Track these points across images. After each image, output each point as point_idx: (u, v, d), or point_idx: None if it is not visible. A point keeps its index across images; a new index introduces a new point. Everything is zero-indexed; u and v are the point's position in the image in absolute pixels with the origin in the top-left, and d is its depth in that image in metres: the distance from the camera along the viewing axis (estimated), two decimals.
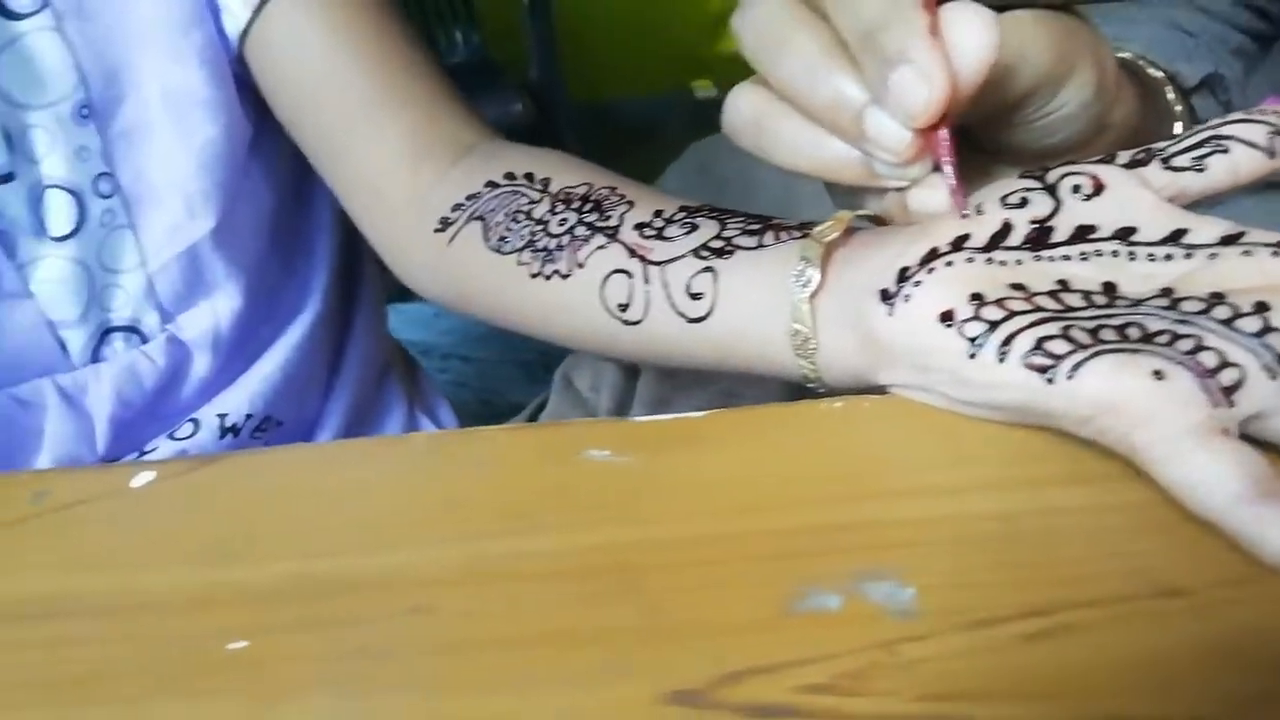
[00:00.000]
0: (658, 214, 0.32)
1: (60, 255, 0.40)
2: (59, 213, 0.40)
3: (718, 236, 0.30)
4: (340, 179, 0.41)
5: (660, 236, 0.31)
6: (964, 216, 0.25)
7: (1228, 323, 0.21)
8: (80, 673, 0.22)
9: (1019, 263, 0.24)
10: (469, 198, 0.37)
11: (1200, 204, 0.26)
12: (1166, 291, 0.23)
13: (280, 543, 0.25)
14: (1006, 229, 0.25)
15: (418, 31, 0.42)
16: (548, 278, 0.33)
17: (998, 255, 0.24)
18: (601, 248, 0.32)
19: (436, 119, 0.40)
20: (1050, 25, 0.27)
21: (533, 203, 0.35)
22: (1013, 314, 0.23)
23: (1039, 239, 0.24)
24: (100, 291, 0.41)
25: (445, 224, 0.37)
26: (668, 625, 0.21)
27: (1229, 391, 0.20)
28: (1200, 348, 0.21)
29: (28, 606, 0.24)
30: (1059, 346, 0.22)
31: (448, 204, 0.37)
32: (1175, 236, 0.23)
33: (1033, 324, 0.22)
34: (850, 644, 0.20)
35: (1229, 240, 0.23)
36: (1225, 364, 0.21)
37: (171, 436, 0.44)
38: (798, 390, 0.29)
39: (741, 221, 0.30)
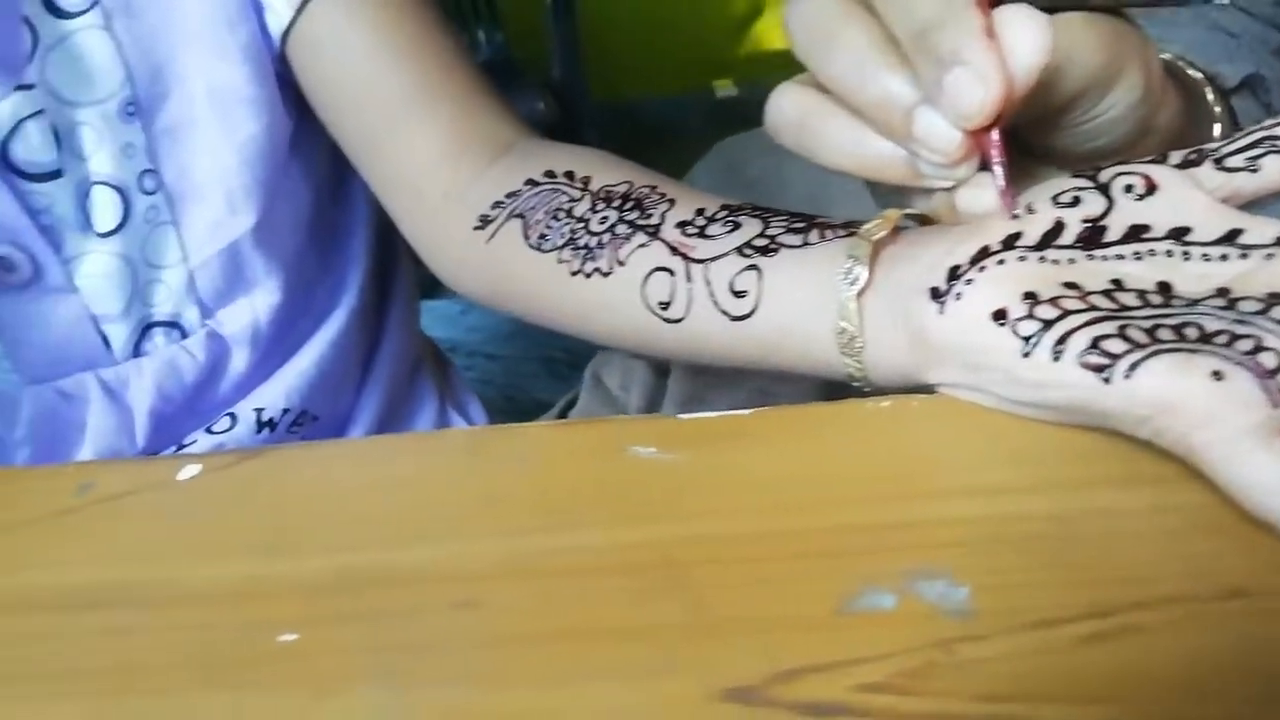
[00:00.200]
0: (700, 212, 0.32)
1: (105, 251, 0.40)
2: (104, 209, 0.40)
3: (761, 234, 0.30)
4: (379, 176, 0.42)
5: (703, 235, 0.31)
6: (1014, 217, 0.25)
7: None
8: (127, 663, 0.22)
9: (1072, 262, 0.24)
10: (509, 195, 0.37)
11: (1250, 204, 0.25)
12: (1223, 291, 0.22)
13: (325, 536, 0.25)
14: (1059, 228, 0.24)
15: (455, 29, 0.42)
16: (588, 275, 0.33)
17: (1050, 254, 0.24)
18: (643, 246, 0.32)
19: (475, 116, 0.40)
20: (1099, 28, 0.26)
21: (573, 201, 0.35)
22: (1067, 313, 0.22)
23: (1092, 238, 0.24)
24: (143, 287, 0.42)
25: (485, 221, 0.37)
26: (716, 622, 0.21)
27: None
28: (1260, 348, 0.21)
29: (74, 597, 0.24)
30: (1115, 346, 0.21)
31: (487, 201, 0.37)
32: (1230, 237, 0.23)
33: (1088, 323, 0.22)
34: (906, 643, 0.20)
35: None
36: None
37: (209, 430, 0.44)
38: (833, 389, 0.29)
39: (785, 220, 0.30)
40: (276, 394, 0.45)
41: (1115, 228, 0.24)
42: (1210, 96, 0.39)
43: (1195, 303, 0.22)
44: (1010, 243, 0.24)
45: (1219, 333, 0.21)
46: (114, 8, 0.39)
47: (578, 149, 0.39)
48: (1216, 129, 0.38)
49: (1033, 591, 0.20)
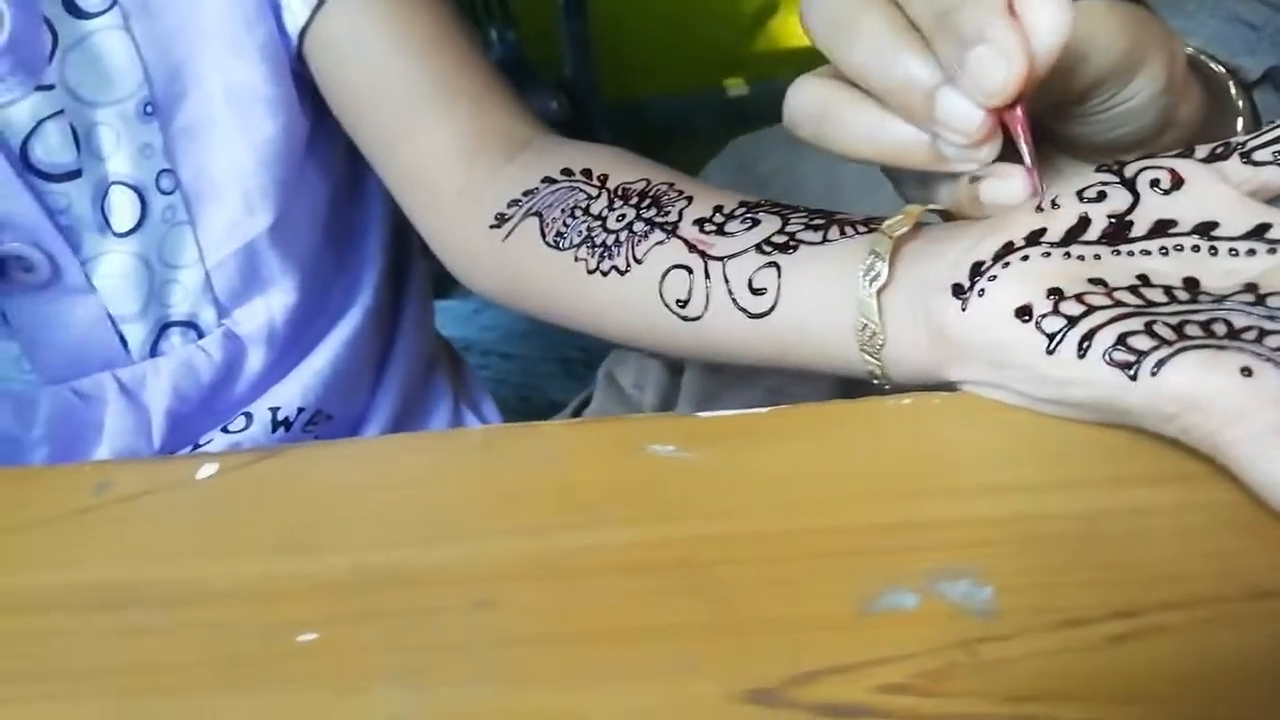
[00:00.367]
0: (718, 209, 0.32)
1: (122, 251, 0.41)
2: (122, 209, 0.40)
3: (780, 231, 0.30)
4: (395, 174, 0.42)
5: (721, 232, 0.31)
6: (1037, 196, 0.25)
7: None
8: (145, 663, 0.22)
9: (1097, 257, 0.23)
10: (525, 194, 0.37)
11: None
12: (1251, 287, 0.22)
13: (343, 535, 0.25)
14: (1084, 223, 0.24)
15: (471, 28, 0.42)
16: (605, 274, 0.33)
17: (1075, 250, 0.24)
18: (660, 243, 0.32)
19: (491, 113, 0.40)
20: (1121, 15, 0.26)
21: (590, 199, 0.35)
22: (1093, 309, 0.22)
23: (1117, 233, 0.24)
24: (160, 287, 0.42)
25: (501, 220, 0.37)
26: (738, 622, 0.21)
27: None
28: None
29: (93, 596, 0.24)
30: (1142, 342, 0.21)
31: (504, 200, 0.37)
32: (1258, 231, 0.23)
33: (1114, 319, 0.22)
34: (928, 643, 0.19)
35: None
36: None
37: (225, 430, 0.44)
38: (849, 387, 0.29)
39: (804, 216, 0.30)
40: (292, 393, 0.45)
41: (1141, 223, 0.24)
42: (1233, 91, 0.39)
43: (1223, 298, 0.22)
44: (1034, 238, 0.24)
45: (1247, 328, 0.21)
46: (132, 8, 0.39)
47: (595, 146, 0.39)
48: (1240, 123, 0.38)
49: (1058, 591, 0.20)
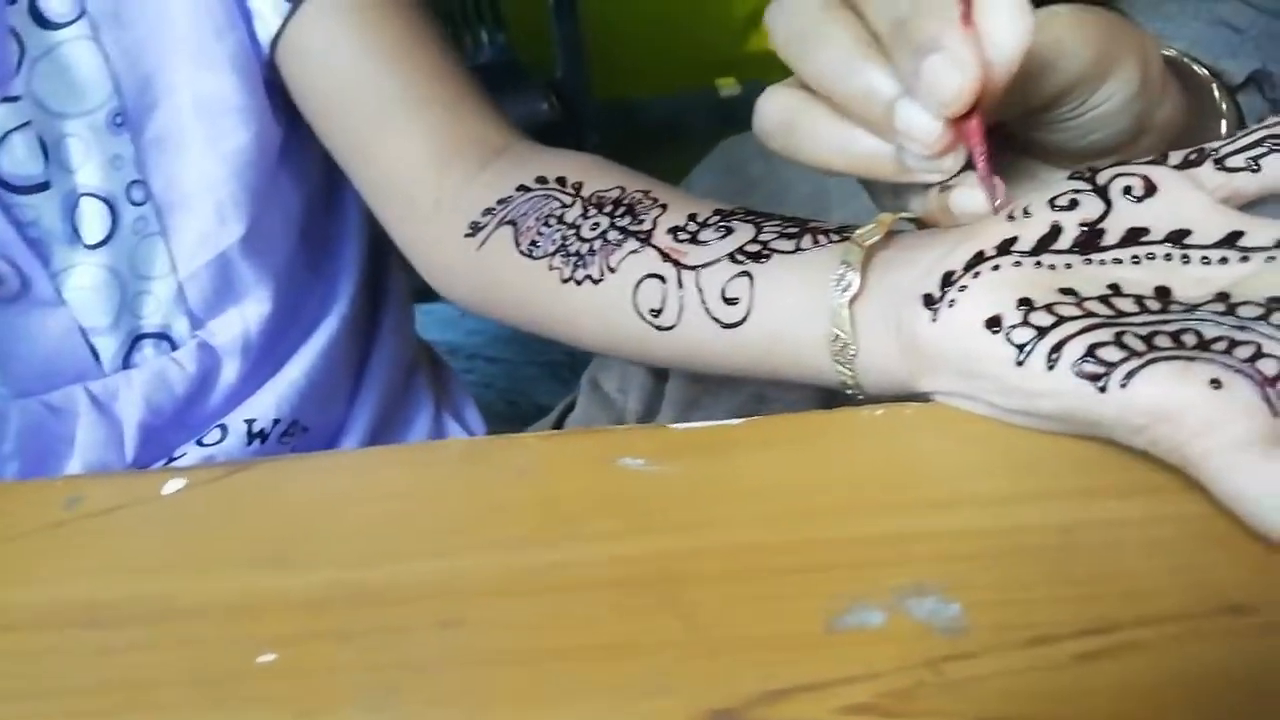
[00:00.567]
0: (691, 218, 0.31)
1: (93, 263, 0.40)
2: (92, 221, 0.40)
3: (754, 240, 0.30)
4: (370, 182, 0.41)
5: (694, 240, 0.31)
6: (997, 208, 0.25)
7: None
8: (114, 681, 0.21)
9: (1068, 266, 0.23)
10: (499, 202, 0.36)
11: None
12: (1222, 296, 0.22)
13: (313, 551, 0.24)
14: (1055, 232, 0.24)
15: (446, 34, 0.42)
16: (579, 282, 0.33)
17: (1046, 259, 0.23)
18: (634, 252, 0.32)
19: (466, 121, 0.40)
20: (1090, 20, 0.26)
21: (564, 207, 0.35)
22: (1062, 320, 0.22)
23: (1089, 242, 0.23)
24: (132, 299, 0.41)
25: (475, 228, 0.37)
26: (707, 640, 0.20)
27: None
28: (1260, 355, 0.20)
29: (61, 613, 0.23)
30: (1112, 354, 0.21)
31: (478, 208, 0.37)
32: (1230, 239, 0.23)
33: (1083, 330, 0.22)
34: (895, 662, 0.19)
35: None
36: None
37: (199, 443, 0.44)
38: (830, 395, 0.29)
39: (778, 225, 0.30)
40: (267, 405, 0.44)
41: (1113, 231, 0.24)
42: (1217, 93, 0.39)
43: (1194, 308, 0.22)
44: (1006, 247, 0.24)
45: (1218, 339, 0.21)
46: (101, 18, 0.38)
47: (570, 153, 0.38)
48: (1224, 126, 0.37)
49: (1026, 607, 0.20)
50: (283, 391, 0.45)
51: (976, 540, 0.22)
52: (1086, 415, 0.21)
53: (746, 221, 0.30)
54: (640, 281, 0.31)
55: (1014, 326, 0.22)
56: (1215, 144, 0.25)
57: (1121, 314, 0.22)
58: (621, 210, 0.33)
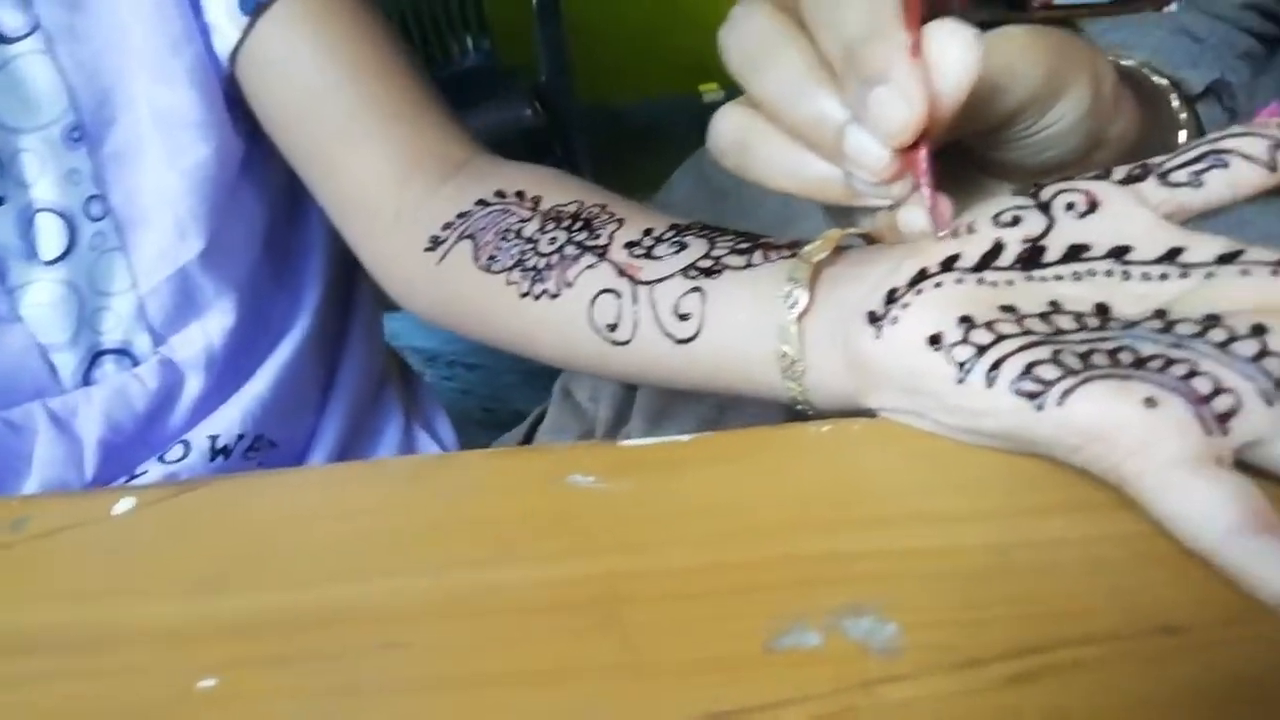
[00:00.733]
0: (647, 233, 0.31)
1: (50, 278, 0.40)
2: (49, 236, 0.39)
3: (706, 256, 0.29)
4: (330, 196, 0.41)
5: (649, 256, 0.31)
6: (940, 238, 0.25)
7: (1223, 346, 0.20)
8: (48, 709, 0.21)
9: (1010, 283, 0.23)
10: (459, 216, 0.36)
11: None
12: (1161, 313, 0.22)
13: (258, 573, 0.24)
14: (998, 248, 0.24)
15: (409, 48, 0.42)
16: (536, 297, 0.33)
17: (989, 276, 0.23)
18: (590, 267, 0.32)
19: (427, 134, 0.40)
20: (1041, 41, 0.26)
21: (523, 221, 0.34)
22: (1002, 337, 0.22)
23: (1031, 258, 0.23)
24: (91, 314, 0.41)
25: (436, 243, 0.36)
26: (646, 663, 0.20)
27: (1224, 419, 0.20)
28: (1194, 373, 0.20)
29: (3, 640, 0.23)
30: (1049, 372, 0.21)
31: (438, 222, 0.37)
32: (1171, 255, 0.23)
33: (1022, 348, 0.22)
34: (828, 684, 0.19)
35: (1226, 259, 0.22)
36: (1220, 390, 0.20)
37: (162, 460, 0.43)
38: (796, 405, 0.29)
39: (731, 240, 0.30)
40: (231, 419, 0.44)
41: (1055, 247, 0.24)
42: (1175, 103, 0.39)
43: (1133, 325, 0.22)
44: (949, 265, 0.24)
45: (1154, 357, 0.21)
46: (56, 32, 0.38)
47: (531, 167, 0.38)
48: (1182, 136, 0.38)
49: (960, 628, 0.20)
50: (247, 406, 0.44)
51: (917, 559, 0.21)
52: (1024, 433, 0.21)
53: (700, 237, 0.30)
54: (596, 297, 0.31)
55: (955, 344, 0.22)
56: (1159, 159, 0.25)
57: (1060, 331, 0.22)
58: (579, 225, 0.33)
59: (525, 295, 0.33)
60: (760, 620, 0.21)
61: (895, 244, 0.26)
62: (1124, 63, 0.40)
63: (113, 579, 0.25)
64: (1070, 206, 0.24)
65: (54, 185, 0.39)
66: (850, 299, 0.25)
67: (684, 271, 0.29)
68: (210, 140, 0.41)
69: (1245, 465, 0.20)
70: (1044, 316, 0.22)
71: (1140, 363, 0.21)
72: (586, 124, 1.64)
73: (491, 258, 0.34)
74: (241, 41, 0.40)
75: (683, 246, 0.30)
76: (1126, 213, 0.24)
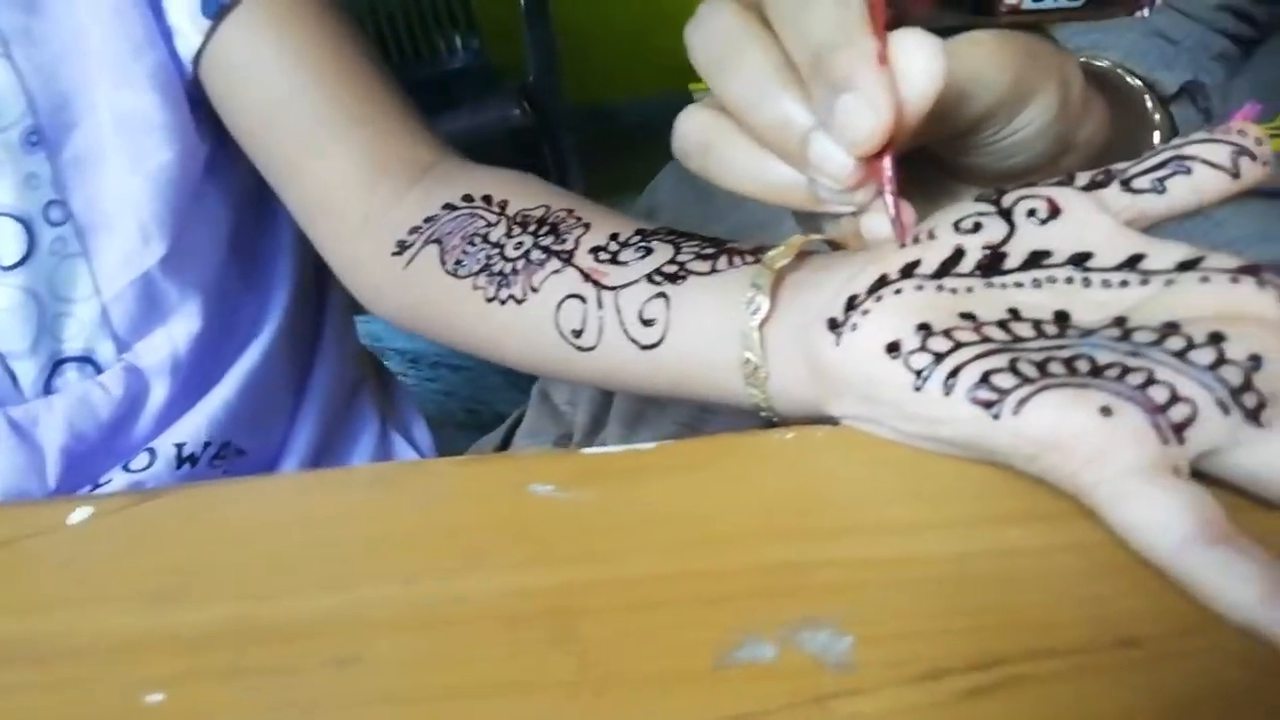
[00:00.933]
0: (613, 238, 0.31)
1: (9, 284, 0.39)
2: (7, 241, 0.39)
3: (671, 261, 0.29)
4: (297, 199, 0.41)
5: (614, 261, 0.30)
6: (902, 246, 0.24)
7: (1181, 355, 0.20)
8: None
9: (970, 290, 0.23)
10: (426, 220, 0.36)
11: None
12: (1119, 321, 0.22)
13: (214, 584, 0.24)
14: (958, 255, 0.24)
15: (376, 51, 0.42)
16: (503, 302, 0.32)
17: (948, 282, 0.23)
18: (556, 272, 0.31)
19: (393, 137, 0.39)
20: (1008, 46, 0.26)
21: (489, 225, 0.34)
22: (959, 345, 0.22)
23: (991, 265, 0.23)
24: (52, 321, 0.41)
25: (402, 247, 0.36)
26: (600, 677, 0.20)
27: (1180, 428, 0.19)
28: (1151, 381, 0.20)
29: None
30: (1005, 380, 0.21)
31: (405, 227, 0.36)
32: (1131, 262, 0.22)
33: (979, 356, 0.21)
34: (783, 699, 0.19)
35: (1186, 266, 0.22)
36: (1176, 399, 0.20)
37: (126, 468, 0.43)
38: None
39: (696, 245, 0.30)
40: (197, 426, 0.43)
41: (1015, 254, 0.23)
42: (1150, 104, 0.39)
43: (1091, 332, 0.22)
44: (909, 271, 0.24)
45: (1111, 365, 0.20)
46: (12, 35, 0.37)
47: (499, 171, 0.38)
48: (1156, 137, 0.37)
49: (918, 641, 0.19)
50: (213, 412, 0.44)
51: (877, 569, 0.21)
52: (981, 442, 0.21)
53: (667, 242, 0.30)
54: (562, 302, 0.31)
55: (912, 352, 0.22)
56: (1123, 165, 0.25)
57: (1018, 339, 0.22)
58: (545, 230, 0.33)
59: (491, 300, 0.33)
60: (715, 632, 0.20)
61: (859, 250, 0.26)
62: (1098, 64, 0.40)
63: (66, 590, 0.25)
64: (1032, 213, 0.24)
65: (12, 189, 0.38)
66: (812, 305, 0.25)
67: (649, 277, 0.29)
68: (173, 144, 0.40)
69: (1201, 474, 0.20)
70: (1002, 324, 0.22)
71: (1097, 371, 0.20)
72: (575, 123, 1.64)
73: (458, 262, 0.34)
74: (204, 45, 0.39)
75: (648, 251, 0.30)
76: (1088, 219, 0.23)
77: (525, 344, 0.32)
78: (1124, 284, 0.22)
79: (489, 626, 0.22)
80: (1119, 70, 0.40)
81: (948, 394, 0.21)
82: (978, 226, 0.24)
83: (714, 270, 0.28)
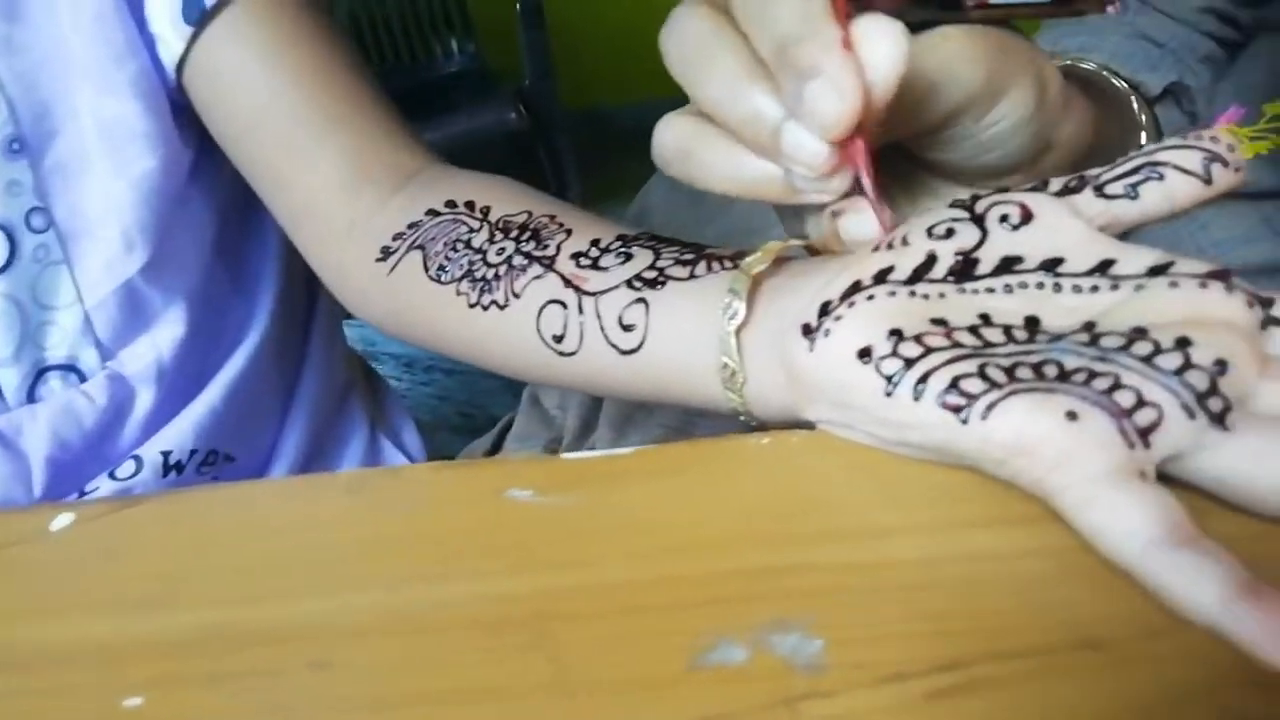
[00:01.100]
0: (595, 243, 0.31)
1: None
2: None
3: (651, 266, 0.29)
4: (282, 205, 0.41)
5: (595, 266, 0.31)
6: (884, 229, 0.25)
7: (1147, 359, 0.20)
8: None
9: (942, 296, 0.23)
10: (410, 226, 0.36)
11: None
12: (1088, 326, 0.22)
13: (196, 590, 0.24)
14: (931, 261, 0.24)
15: (360, 58, 0.42)
16: (485, 308, 0.33)
17: (920, 288, 0.23)
18: (538, 278, 0.31)
19: (377, 143, 0.40)
20: (981, 41, 0.26)
21: (472, 231, 0.34)
22: (930, 350, 0.22)
23: (964, 271, 0.23)
24: (34, 329, 0.41)
25: (386, 253, 0.36)
26: (572, 683, 0.20)
27: (1146, 433, 0.20)
28: (1117, 386, 0.20)
29: None
30: (974, 385, 0.21)
31: (389, 233, 0.37)
32: (1102, 267, 0.23)
33: (949, 361, 0.21)
34: (753, 701, 0.19)
35: (1156, 271, 0.22)
36: (1142, 403, 0.20)
37: (112, 476, 0.43)
38: None
39: (676, 251, 0.30)
40: (184, 433, 0.43)
41: (987, 260, 0.23)
42: (1135, 106, 0.39)
43: (1060, 338, 0.22)
44: (882, 277, 0.24)
45: (1078, 370, 0.21)
46: None
47: (483, 176, 0.38)
48: (1143, 138, 0.38)
49: (889, 643, 0.20)
50: (199, 419, 0.44)
51: (849, 573, 0.21)
52: (950, 447, 0.21)
53: (647, 247, 0.30)
54: (543, 307, 0.31)
55: (884, 357, 0.22)
56: (1096, 171, 0.25)
57: (988, 344, 0.22)
58: (527, 235, 0.33)
59: (474, 306, 0.33)
60: (688, 637, 0.20)
61: (833, 255, 0.26)
62: (1084, 66, 0.40)
63: (47, 596, 0.25)
64: (1004, 219, 0.24)
65: None
66: (789, 310, 0.25)
67: (629, 282, 0.29)
68: (157, 151, 0.40)
69: (1167, 478, 0.20)
70: (973, 330, 0.22)
71: (1064, 376, 0.21)
72: (570, 127, 1.64)
73: (441, 268, 0.34)
74: (187, 52, 0.39)
75: (628, 257, 0.30)
76: (1060, 225, 0.24)
77: (508, 349, 0.33)
78: (1094, 289, 0.22)
79: (465, 631, 0.22)
80: (1104, 73, 0.40)
81: (917, 399, 0.21)
82: (950, 233, 0.24)
83: (693, 276, 0.28)
